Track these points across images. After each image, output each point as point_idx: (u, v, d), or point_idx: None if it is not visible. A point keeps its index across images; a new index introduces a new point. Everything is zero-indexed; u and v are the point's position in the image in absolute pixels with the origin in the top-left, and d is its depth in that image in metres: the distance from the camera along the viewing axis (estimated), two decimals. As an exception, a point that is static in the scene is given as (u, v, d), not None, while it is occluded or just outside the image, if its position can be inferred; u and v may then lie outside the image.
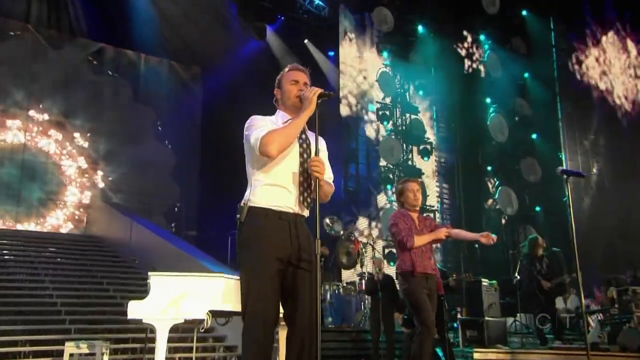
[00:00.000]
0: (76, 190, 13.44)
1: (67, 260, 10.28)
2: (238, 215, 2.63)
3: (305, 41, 14.26)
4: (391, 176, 12.46)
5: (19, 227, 12.27)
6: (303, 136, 2.77)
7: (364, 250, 9.41)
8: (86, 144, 13.68)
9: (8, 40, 12.61)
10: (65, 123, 13.44)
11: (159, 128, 14.35)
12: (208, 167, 13.82)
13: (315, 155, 2.62)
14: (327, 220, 9.62)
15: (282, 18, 13.89)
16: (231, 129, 12.72)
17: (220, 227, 11.72)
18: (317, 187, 2.57)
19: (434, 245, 4.79)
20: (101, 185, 13.75)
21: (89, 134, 13.69)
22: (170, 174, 14.06)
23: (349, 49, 13.64)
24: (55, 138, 13.29)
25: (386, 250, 12.36)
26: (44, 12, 12.07)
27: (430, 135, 13.92)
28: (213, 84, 13.80)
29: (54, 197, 13.03)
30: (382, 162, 12.86)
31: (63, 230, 12.93)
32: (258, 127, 2.68)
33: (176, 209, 14.15)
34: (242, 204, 2.67)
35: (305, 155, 2.71)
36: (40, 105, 13.08)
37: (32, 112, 12.97)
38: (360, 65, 13.63)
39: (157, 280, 4.59)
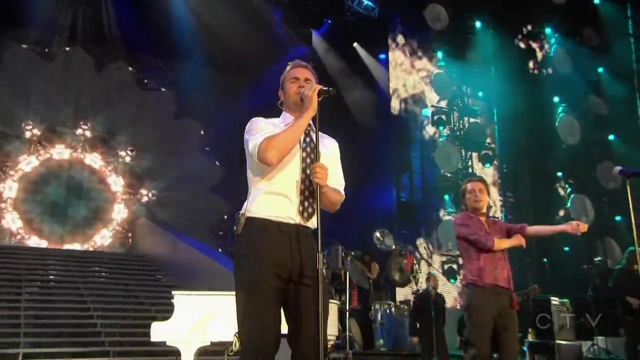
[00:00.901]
0: (121, 207, 13.85)
1: (109, 280, 10.54)
2: (235, 227, 2.54)
3: (355, 45, 14.21)
4: (449, 185, 12.07)
5: (65, 246, 12.73)
6: (307, 139, 2.65)
7: (417, 266, 9.10)
8: (131, 160, 14.09)
9: (54, 58, 13.22)
10: (110, 139, 13.91)
11: (205, 142, 14.57)
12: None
13: (317, 159, 2.51)
14: (377, 234, 9.36)
15: (329, 22, 13.88)
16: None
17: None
18: (319, 195, 2.45)
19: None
20: (146, 201, 14.10)
21: (134, 150, 14.10)
22: (217, 189, 14.22)
23: (400, 51, 13.43)
24: (101, 155, 13.77)
25: (445, 266, 11.96)
26: (88, 28, 12.57)
27: (492, 139, 13.42)
28: (259, 93, 13.80)
29: (100, 215, 13.47)
30: (439, 171, 12.51)
31: (108, 249, 13.32)
32: (258, 131, 2.60)
33: (223, 225, 14.27)
34: (239, 215, 2.57)
35: (308, 160, 2.60)
36: (85, 122, 13.59)
37: (77, 129, 13.50)
38: (413, 67, 13.38)
39: (181, 300, 4.53)
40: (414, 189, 12.54)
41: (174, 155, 13.94)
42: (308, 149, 2.62)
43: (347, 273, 8.59)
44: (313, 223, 2.59)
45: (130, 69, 14.21)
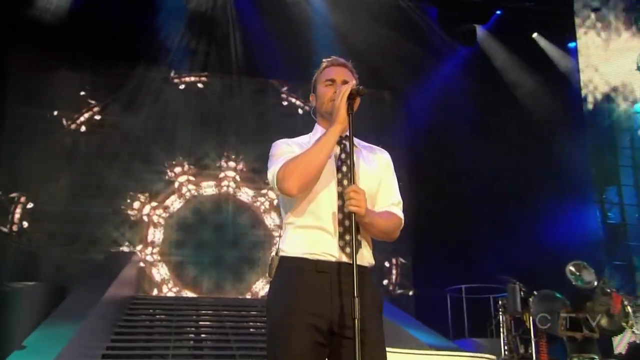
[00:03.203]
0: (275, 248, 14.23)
1: (259, 329, 10.76)
2: (268, 271, 2.48)
3: (534, 35, 13.44)
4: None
5: (217, 294, 13.37)
6: (343, 155, 2.47)
7: (630, 307, 7.78)
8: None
9: (197, 93, 14.25)
10: (262, 171, 14.46)
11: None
12: (419, 212, 13.38)
13: (352, 181, 2.32)
14: (571, 268, 8.20)
15: (499, 13, 13.28)
16: (445, 162, 12.33)
17: (438, 284, 11.19)
18: (353, 224, 2.29)
19: None
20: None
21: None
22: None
23: (594, 34, 12.25)
24: (253, 190, 14.36)
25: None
26: (226, 59, 13.40)
27: None
28: (415, 109, 13.62)
29: (253, 257, 13.95)
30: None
31: (262, 295, 13.69)
32: (279, 156, 2.50)
33: (392, 268, 13.94)
34: (272, 255, 2.50)
35: (345, 182, 2.41)
36: (233, 154, 14.34)
37: (224, 163, 14.30)
38: (613, 53, 12.05)
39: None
40: (625, 207, 11.10)
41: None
42: (344, 168, 2.43)
43: (532, 318, 7.77)
44: (366, 259, 2.42)
45: (273, 95, 14.77)
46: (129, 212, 13.29)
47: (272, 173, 2.44)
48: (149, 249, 13.31)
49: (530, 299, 7.78)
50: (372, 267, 2.45)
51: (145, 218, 13.39)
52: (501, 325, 7.95)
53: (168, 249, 13.35)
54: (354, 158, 2.39)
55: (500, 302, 8.03)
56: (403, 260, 13.98)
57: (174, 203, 13.67)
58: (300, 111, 14.83)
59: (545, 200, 10.74)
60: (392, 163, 2.63)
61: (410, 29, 12.44)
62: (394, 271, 13.90)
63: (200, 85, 14.22)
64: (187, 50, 12.92)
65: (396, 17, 12.20)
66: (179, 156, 13.81)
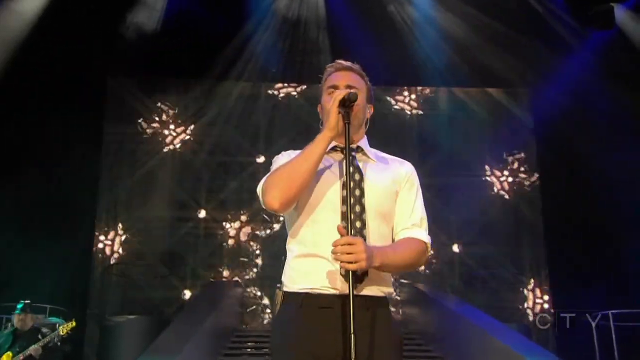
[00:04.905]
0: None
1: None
2: (271, 308, 2.18)
3: None
4: None
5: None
6: (350, 168, 2.29)
7: None
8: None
9: (291, 103, 14.22)
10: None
11: (485, 174, 13.93)
12: (555, 224, 12.61)
13: (358, 203, 2.30)
14: None
15: (645, -12, 12.38)
16: (582, 166, 11.51)
17: (582, 310, 10.48)
18: (351, 281, 2.08)
19: None
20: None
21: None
22: (506, 234, 13.26)
23: None
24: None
25: None
26: (322, 66, 13.26)
27: None
28: (542, 109, 13.03)
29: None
30: None
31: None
32: (273, 168, 2.45)
33: (520, 287, 13.16)
34: (277, 290, 2.43)
35: (352, 200, 2.25)
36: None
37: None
38: None
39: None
40: None
41: (451, 191, 13.28)
42: (352, 184, 2.28)
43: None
44: (379, 287, 2.28)
45: (382, 101, 14.48)
46: (229, 236, 13.40)
47: (260, 185, 2.35)
48: (250, 275, 13.31)
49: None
50: (388, 296, 2.33)
51: (244, 242, 13.43)
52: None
53: (270, 274, 13.24)
54: (365, 171, 2.35)
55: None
56: (539, 283, 13.28)
57: (274, 224, 13.59)
58: (407, 116, 14.50)
59: None
60: (414, 176, 2.48)
61: (529, 16, 11.84)
62: (528, 296, 13.20)
63: (295, 95, 14.30)
64: (278, 61, 13.03)
65: (511, 6, 11.68)
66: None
